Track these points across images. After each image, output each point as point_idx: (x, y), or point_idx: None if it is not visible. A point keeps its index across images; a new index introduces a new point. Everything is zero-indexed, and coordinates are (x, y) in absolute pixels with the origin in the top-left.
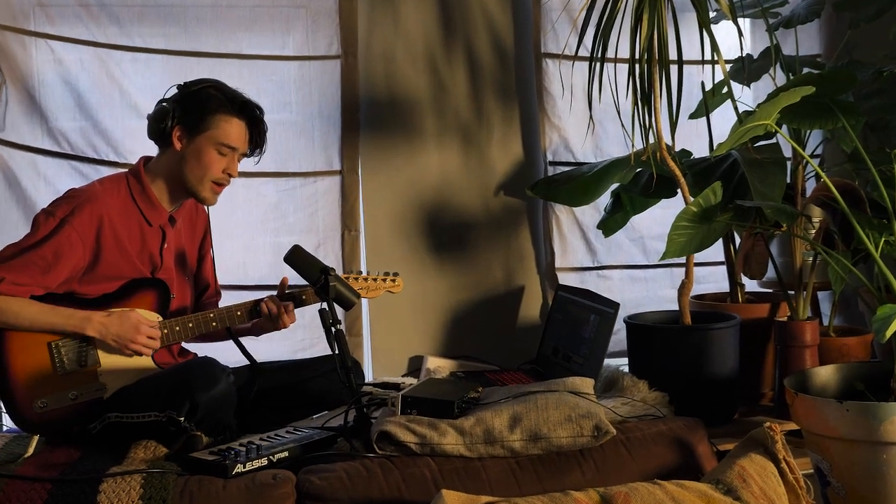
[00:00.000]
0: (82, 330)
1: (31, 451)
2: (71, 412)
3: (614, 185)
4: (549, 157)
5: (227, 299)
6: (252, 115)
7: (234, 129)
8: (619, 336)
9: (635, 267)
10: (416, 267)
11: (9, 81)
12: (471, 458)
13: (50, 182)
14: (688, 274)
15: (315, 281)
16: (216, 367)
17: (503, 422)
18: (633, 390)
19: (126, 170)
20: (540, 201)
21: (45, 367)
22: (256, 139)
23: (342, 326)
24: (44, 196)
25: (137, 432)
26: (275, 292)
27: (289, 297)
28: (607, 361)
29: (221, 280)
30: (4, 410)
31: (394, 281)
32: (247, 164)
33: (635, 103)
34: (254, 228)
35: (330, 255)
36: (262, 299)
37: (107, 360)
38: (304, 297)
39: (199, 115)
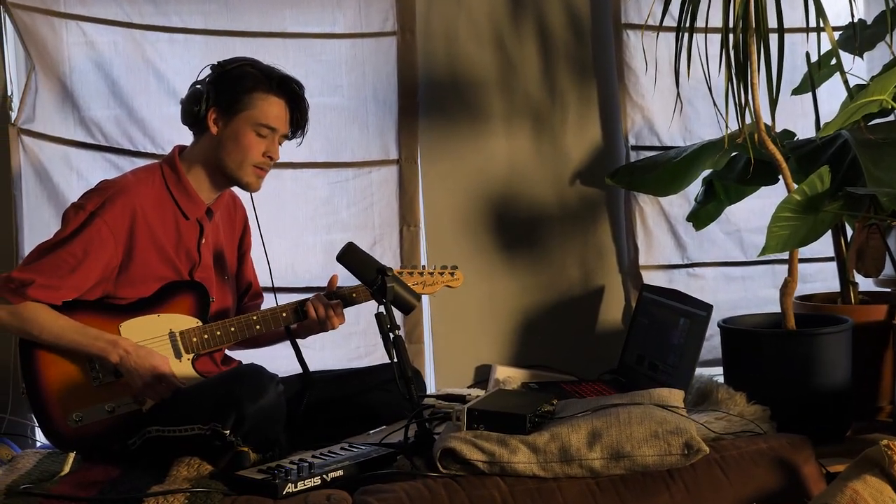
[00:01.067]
0: (106, 354)
1: (67, 468)
2: (108, 426)
3: (706, 172)
4: (632, 141)
5: (274, 303)
6: (291, 92)
7: (272, 108)
8: (712, 342)
9: (731, 264)
10: (483, 266)
11: (38, 68)
12: (545, 478)
13: (83, 176)
14: (792, 272)
15: (371, 282)
16: (264, 376)
17: (581, 438)
18: (728, 403)
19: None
20: (621, 191)
21: (80, 378)
22: (297, 118)
23: (401, 332)
24: (76, 191)
25: (180, 448)
26: None
27: (337, 296)
28: (699, 371)
29: (267, 281)
30: (37, 425)
31: (452, 274)
32: (294, 155)
33: (729, 78)
34: (303, 225)
35: (387, 254)
36: (307, 299)
37: None
38: (353, 294)
39: (234, 95)
